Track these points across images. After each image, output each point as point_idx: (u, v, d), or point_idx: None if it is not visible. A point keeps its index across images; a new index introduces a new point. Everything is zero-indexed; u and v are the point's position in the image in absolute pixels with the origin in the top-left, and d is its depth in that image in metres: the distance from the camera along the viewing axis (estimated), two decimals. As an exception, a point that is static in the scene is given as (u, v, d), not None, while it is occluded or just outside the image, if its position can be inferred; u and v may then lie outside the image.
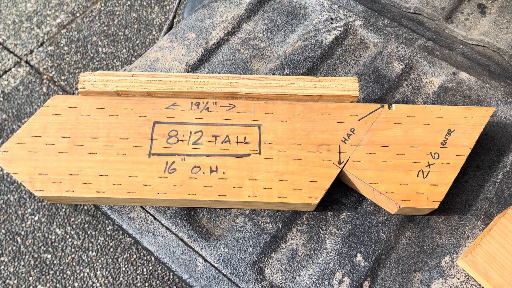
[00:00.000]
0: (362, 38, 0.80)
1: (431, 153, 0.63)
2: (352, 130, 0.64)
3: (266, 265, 0.61)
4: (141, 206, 0.65)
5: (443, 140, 0.64)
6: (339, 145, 0.63)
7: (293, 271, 0.61)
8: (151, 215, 0.64)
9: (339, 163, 0.62)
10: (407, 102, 0.73)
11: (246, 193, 0.60)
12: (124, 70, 0.76)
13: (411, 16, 0.86)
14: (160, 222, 0.64)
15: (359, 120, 0.65)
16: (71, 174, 0.61)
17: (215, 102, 0.66)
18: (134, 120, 0.65)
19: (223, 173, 0.61)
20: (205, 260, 0.61)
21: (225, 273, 0.60)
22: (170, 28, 0.84)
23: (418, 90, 0.75)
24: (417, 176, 0.61)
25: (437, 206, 0.60)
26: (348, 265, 0.61)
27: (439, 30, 0.84)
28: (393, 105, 0.66)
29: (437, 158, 0.63)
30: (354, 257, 0.61)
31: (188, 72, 0.76)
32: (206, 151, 0.63)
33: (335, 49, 0.79)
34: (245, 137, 0.64)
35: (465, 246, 0.62)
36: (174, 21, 0.82)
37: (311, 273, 0.60)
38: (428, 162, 0.62)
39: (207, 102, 0.66)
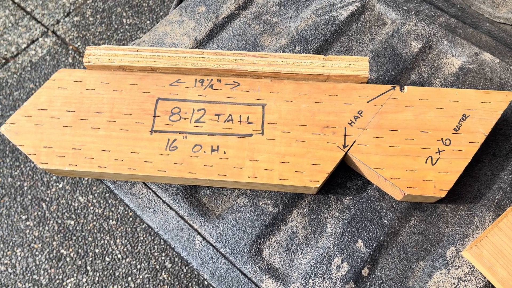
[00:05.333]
0: (380, 14, 0.76)
1: (442, 139, 0.60)
2: (360, 112, 0.62)
3: (265, 247, 0.61)
4: (143, 182, 0.65)
5: (457, 126, 0.60)
6: (345, 128, 0.61)
7: (291, 254, 0.60)
8: (152, 191, 0.64)
9: (344, 146, 0.60)
10: (423, 84, 0.70)
11: (246, 173, 0.59)
12: (133, 44, 0.75)
13: (435, -9, 0.81)
14: (161, 198, 0.64)
15: (368, 102, 0.62)
16: (74, 148, 0.62)
17: (220, 80, 0.65)
18: (137, 96, 0.64)
19: (224, 152, 0.61)
20: (204, 238, 0.61)
21: (222, 252, 0.60)
22: (180, 0, 0.83)
23: (436, 71, 0.71)
24: (425, 162, 0.59)
25: (444, 194, 0.57)
26: (347, 251, 0.60)
27: (465, 7, 0.79)
28: (405, 87, 0.63)
29: (448, 145, 0.59)
30: (354, 243, 0.60)
31: (196, 47, 0.74)
32: (208, 129, 0.62)
33: (350, 25, 0.75)
34: (248, 117, 0.62)
35: (473, 237, 0.60)
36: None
37: (310, 256, 0.60)
38: (438, 148, 0.59)
39: (212, 80, 0.65)
